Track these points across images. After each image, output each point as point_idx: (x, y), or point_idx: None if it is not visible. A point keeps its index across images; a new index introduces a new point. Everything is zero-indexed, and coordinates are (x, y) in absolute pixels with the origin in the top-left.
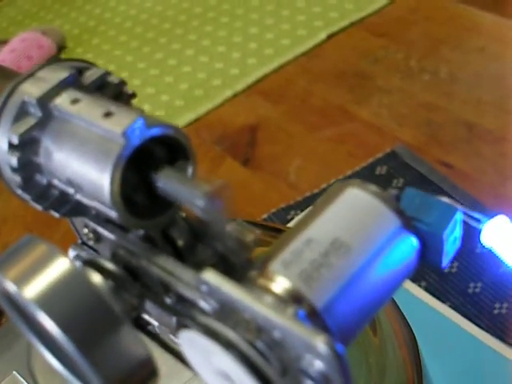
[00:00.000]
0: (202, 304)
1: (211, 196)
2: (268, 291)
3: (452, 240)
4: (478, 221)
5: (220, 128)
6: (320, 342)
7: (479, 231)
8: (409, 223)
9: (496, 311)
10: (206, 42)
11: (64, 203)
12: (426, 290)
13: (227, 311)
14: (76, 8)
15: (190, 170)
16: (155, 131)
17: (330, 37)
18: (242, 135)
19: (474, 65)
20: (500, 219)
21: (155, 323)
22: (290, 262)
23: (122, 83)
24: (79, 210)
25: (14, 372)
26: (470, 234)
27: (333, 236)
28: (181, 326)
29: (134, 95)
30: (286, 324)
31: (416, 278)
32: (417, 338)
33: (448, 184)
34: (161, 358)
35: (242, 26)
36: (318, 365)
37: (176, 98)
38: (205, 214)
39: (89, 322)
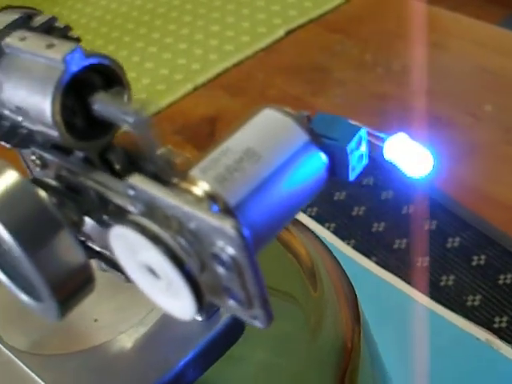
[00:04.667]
0: (131, 208)
1: (140, 113)
2: (188, 192)
3: (358, 156)
4: (382, 139)
5: (181, 119)
6: (228, 226)
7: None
8: (317, 139)
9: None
10: (168, 40)
11: (14, 134)
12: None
13: (152, 212)
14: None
15: (125, 97)
16: (92, 60)
17: (288, 33)
18: (202, 126)
19: (425, 58)
20: (400, 136)
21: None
22: (207, 168)
23: (68, 28)
24: (28, 139)
25: None
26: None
27: (246, 146)
28: (112, 223)
29: (78, 39)
30: (200, 214)
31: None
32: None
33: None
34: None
35: (203, 24)
36: (228, 250)
37: (138, 92)
38: (135, 130)
39: (34, 228)
